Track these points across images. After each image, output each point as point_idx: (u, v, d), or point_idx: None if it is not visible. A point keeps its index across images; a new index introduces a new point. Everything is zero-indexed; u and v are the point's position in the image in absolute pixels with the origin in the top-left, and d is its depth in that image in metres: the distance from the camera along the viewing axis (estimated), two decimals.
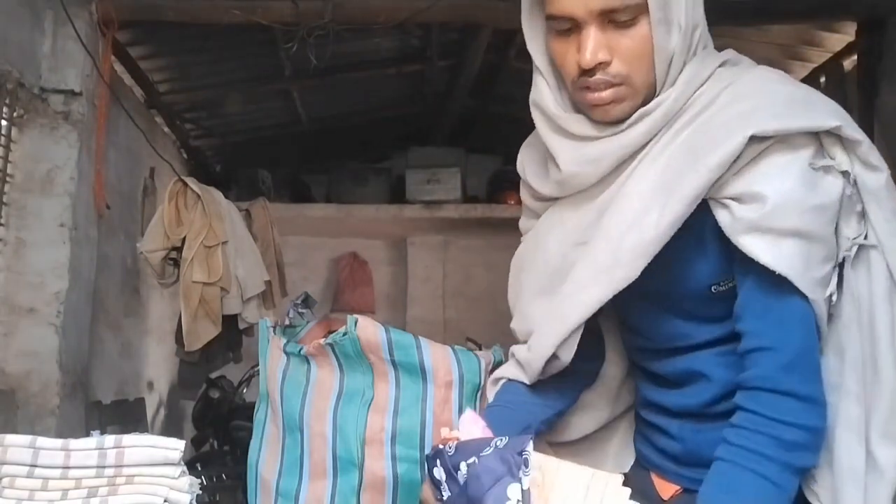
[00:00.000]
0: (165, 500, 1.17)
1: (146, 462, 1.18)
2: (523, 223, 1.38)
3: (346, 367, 1.64)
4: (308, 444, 1.65)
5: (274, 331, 1.78)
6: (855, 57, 3.64)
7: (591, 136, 1.16)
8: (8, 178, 3.12)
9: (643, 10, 1.09)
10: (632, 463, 1.36)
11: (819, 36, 3.84)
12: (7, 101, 3.06)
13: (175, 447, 1.19)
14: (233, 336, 3.90)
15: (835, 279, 1.10)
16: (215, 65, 4.63)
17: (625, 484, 1.06)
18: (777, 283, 1.06)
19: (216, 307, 3.59)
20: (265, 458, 1.74)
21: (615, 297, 1.14)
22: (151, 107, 4.57)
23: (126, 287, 4.33)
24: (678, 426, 1.24)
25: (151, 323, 4.75)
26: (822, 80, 3.83)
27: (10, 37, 2.94)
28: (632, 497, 1.05)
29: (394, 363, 1.60)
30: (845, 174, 1.08)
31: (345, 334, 1.60)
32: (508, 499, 1.01)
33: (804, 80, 3.50)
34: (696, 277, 1.15)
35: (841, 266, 1.11)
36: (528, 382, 1.29)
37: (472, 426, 1.17)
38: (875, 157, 1.09)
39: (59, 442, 1.19)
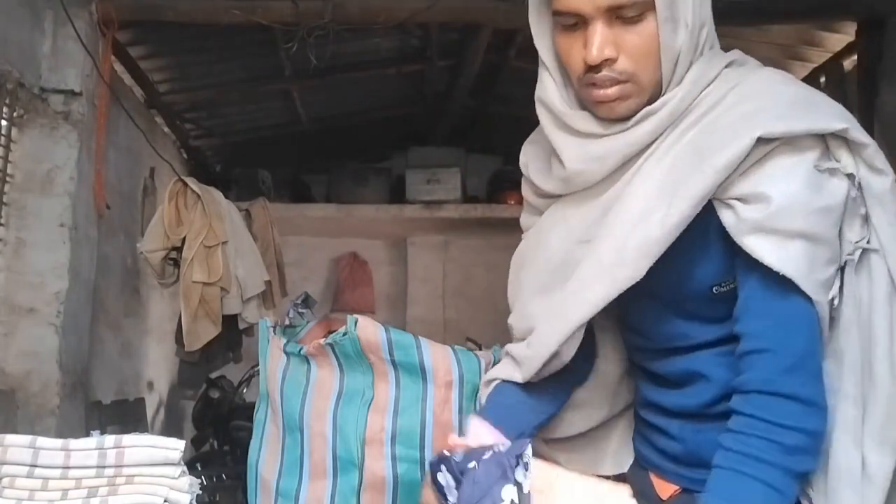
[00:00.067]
0: (165, 500, 1.17)
1: (146, 462, 1.18)
2: (524, 220, 1.38)
3: (346, 367, 1.65)
4: (308, 444, 1.65)
5: (274, 331, 1.78)
6: (855, 57, 3.64)
7: (596, 133, 1.16)
8: (8, 178, 3.12)
9: (650, 7, 1.09)
10: (630, 463, 1.35)
11: (819, 36, 3.84)
12: (7, 101, 3.06)
13: (175, 447, 1.19)
14: (233, 336, 3.91)
15: (837, 282, 1.10)
16: (215, 65, 4.63)
17: (624, 483, 1.06)
18: (780, 285, 1.06)
19: (216, 307, 3.59)
20: (265, 458, 1.74)
21: (618, 296, 1.14)
22: (151, 107, 4.57)
23: (126, 287, 4.33)
24: (678, 426, 1.23)
25: (151, 323, 4.75)
26: (822, 80, 3.83)
27: (10, 37, 2.94)
28: (631, 497, 1.05)
29: (394, 363, 1.60)
30: (850, 177, 1.08)
31: (345, 334, 1.61)
32: (503, 500, 1.01)
33: (804, 80, 3.49)
34: (698, 278, 1.15)
35: (842, 269, 1.11)
36: (522, 381, 1.28)
37: (481, 430, 1.17)
38: (881, 160, 1.09)
39: (59, 442, 1.20)
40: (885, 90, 3.41)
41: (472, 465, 1.06)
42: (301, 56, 3.67)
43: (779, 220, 1.04)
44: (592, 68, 1.12)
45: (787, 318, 1.07)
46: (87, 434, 1.25)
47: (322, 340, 1.64)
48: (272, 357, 1.75)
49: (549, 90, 1.20)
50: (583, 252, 1.19)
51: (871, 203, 1.09)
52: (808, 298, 1.06)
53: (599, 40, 1.10)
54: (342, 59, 4.65)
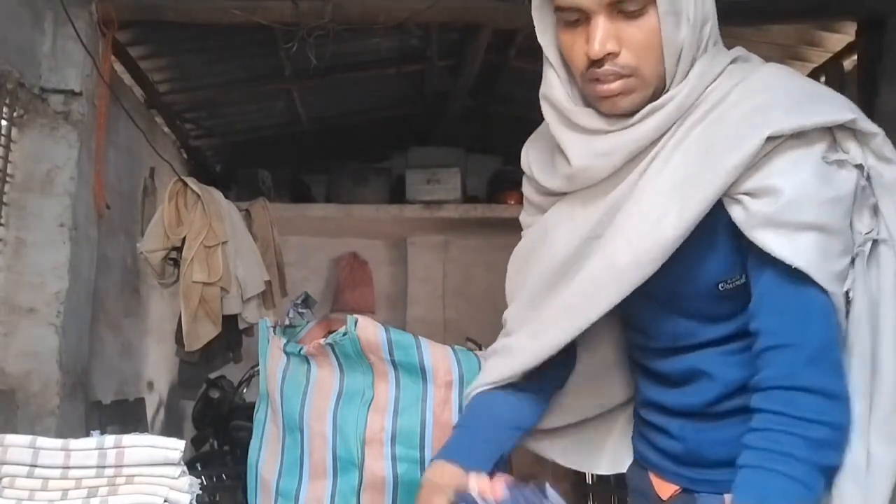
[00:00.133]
0: (165, 500, 1.17)
1: (146, 462, 1.18)
2: (524, 218, 1.37)
3: (346, 367, 1.65)
4: (308, 444, 1.65)
5: (274, 331, 1.78)
6: (855, 57, 3.64)
7: (601, 129, 1.16)
8: (8, 178, 3.12)
9: (651, 1, 1.09)
10: (629, 463, 1.35)
11: (819, 36, 3.85)
12: (7, 101, 3.06)
13: (175, 447, 1.19)
14: (233, 336, 3.91)
15: (852, 274, 1.09)
16: (215, 65, 4.63)
17: (624, 483, 1.06)
18: (794, 278, 1.05)
19: (216, 307, 3.60)
20: (265, 458, 1.74)
21: None
22: (151, 107, 4.58)
23: (126, 287, 4.33)
24: (679, 426, 1.23)
25: (151, 323, 4.76)
26: (822, 80, 3.83)
27: (10, 37, 2.94)
28: (631, 496, 1.05)
29: (394, 363, 1.60)
30: (859, 167, 1.08)
31: (345, 334, 1.60)
32: None
33: None
34: (704, 275, 1.15)
35: (853, 261, 1.09)
36: (510, 374, 1.28)
37: (498, 487, 1.16)
38: (889, 149, 1.09)
39: (59, 442, 1.20)
40: (885, 90, 3.41)
41: None
42: (301, 56, 3.68)
43: (789, 213, 1.04)
44: (595, 63, 1.11)
45: (803, 311, 1.06)
46: (87, 434, 1.25)
47: (322, 340, 1.64)
48: (272, 357, 1.75)
49: (554, 87, 1.20)
50: (591, 249, 1.18)
51: (880, 193, 1.09)
52: (823, 290, 1.04)
53: (601, 34, 1.10)
54: (342, 59, 4.65)
